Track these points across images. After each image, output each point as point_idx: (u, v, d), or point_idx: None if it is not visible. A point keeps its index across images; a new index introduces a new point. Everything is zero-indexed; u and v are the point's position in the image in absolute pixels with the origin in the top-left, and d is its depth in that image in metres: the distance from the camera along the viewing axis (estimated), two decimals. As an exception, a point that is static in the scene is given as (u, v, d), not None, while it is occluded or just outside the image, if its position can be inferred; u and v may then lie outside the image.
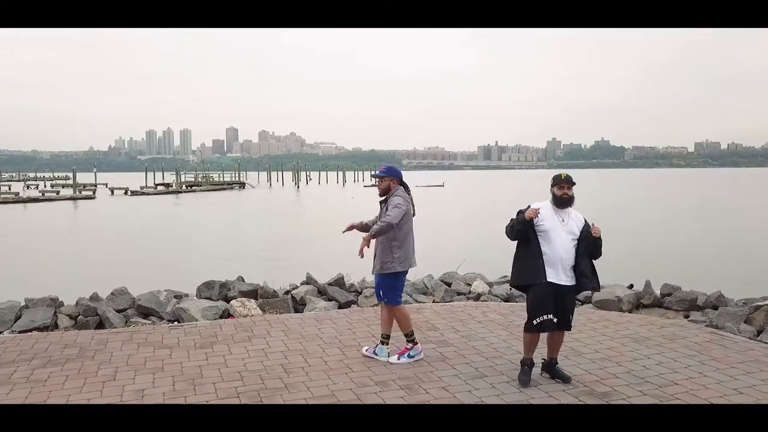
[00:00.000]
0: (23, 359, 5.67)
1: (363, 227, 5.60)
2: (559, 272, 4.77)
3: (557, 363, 5.05)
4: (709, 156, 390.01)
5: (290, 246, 22.13)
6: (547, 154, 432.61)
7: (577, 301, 8.18)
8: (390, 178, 5.49)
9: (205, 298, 8.14)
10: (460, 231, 25.16)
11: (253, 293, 8.20)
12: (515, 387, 4.86)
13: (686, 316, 7.59)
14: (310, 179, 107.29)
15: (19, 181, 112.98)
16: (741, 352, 5.75)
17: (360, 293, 8.55)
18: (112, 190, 64.22)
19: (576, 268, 4.79)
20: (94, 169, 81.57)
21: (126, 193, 62.60)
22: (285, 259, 18.18)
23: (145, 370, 5.36)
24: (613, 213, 33.75)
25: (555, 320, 4.77)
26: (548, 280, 4.75)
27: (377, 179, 5.59)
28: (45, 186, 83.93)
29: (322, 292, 8.46)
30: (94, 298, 7.89)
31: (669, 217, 31.78)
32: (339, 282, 8.70)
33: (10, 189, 70.24)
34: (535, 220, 4.77)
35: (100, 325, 7.34)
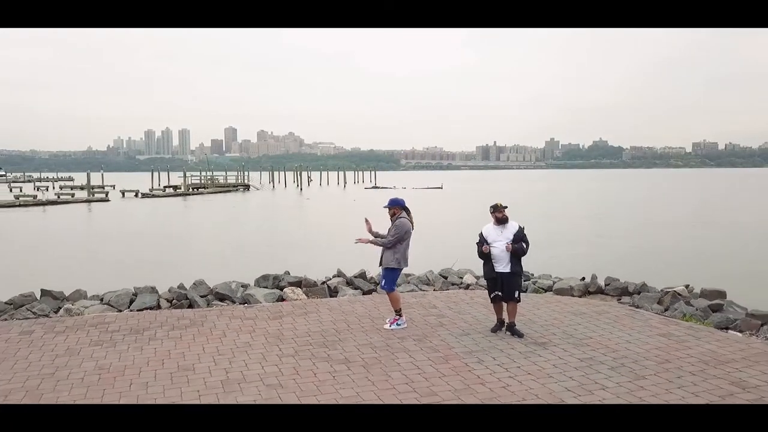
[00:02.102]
0: (155, 326, 8.35)
1: (375, 235, 8.31)
2: (500, 265, 7.57)
3: (515, 325, 7.77)
4: (706, 156, 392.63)
5: (312, 245, 24.76)
6: (546, 154, 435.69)
7: (540, 290, 10.94)
8: (394, 207, 8.20)
9: (263, 287, 10.84)
10: (455, 233, 27.79)
11: (298, 283, 10.89)
12: (488, 340, 7.56)
13: (618, 300, 10.31)
14: (311, 180, 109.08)
15: (25, 182, 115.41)
16: (643, 321, 8.47)
17: (378, 284, 11.25)
18: (123, 193, 66.64)
19: (510, 260, 7.57)
20: (102, 171, 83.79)
21: (136, 195, 65.09)
22: (312, 256, 20.80)
23: (243, 332, 8.04)
24: (585, 219, 36.65)
25: (500, 294, 7.62)
26: (496, 270, 7.58)
27: (387, 209, 8.25)
28: (54, 187, 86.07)
29: (349, 283, 11.16)
30: (181, 287, 10.57)
31: (639, 223, 34.43)
32: (362, 275, 11.41)
33: (21, 191, 72.80)
34: (488, 240, 7.65)
35: (190, 306, 10.01)
